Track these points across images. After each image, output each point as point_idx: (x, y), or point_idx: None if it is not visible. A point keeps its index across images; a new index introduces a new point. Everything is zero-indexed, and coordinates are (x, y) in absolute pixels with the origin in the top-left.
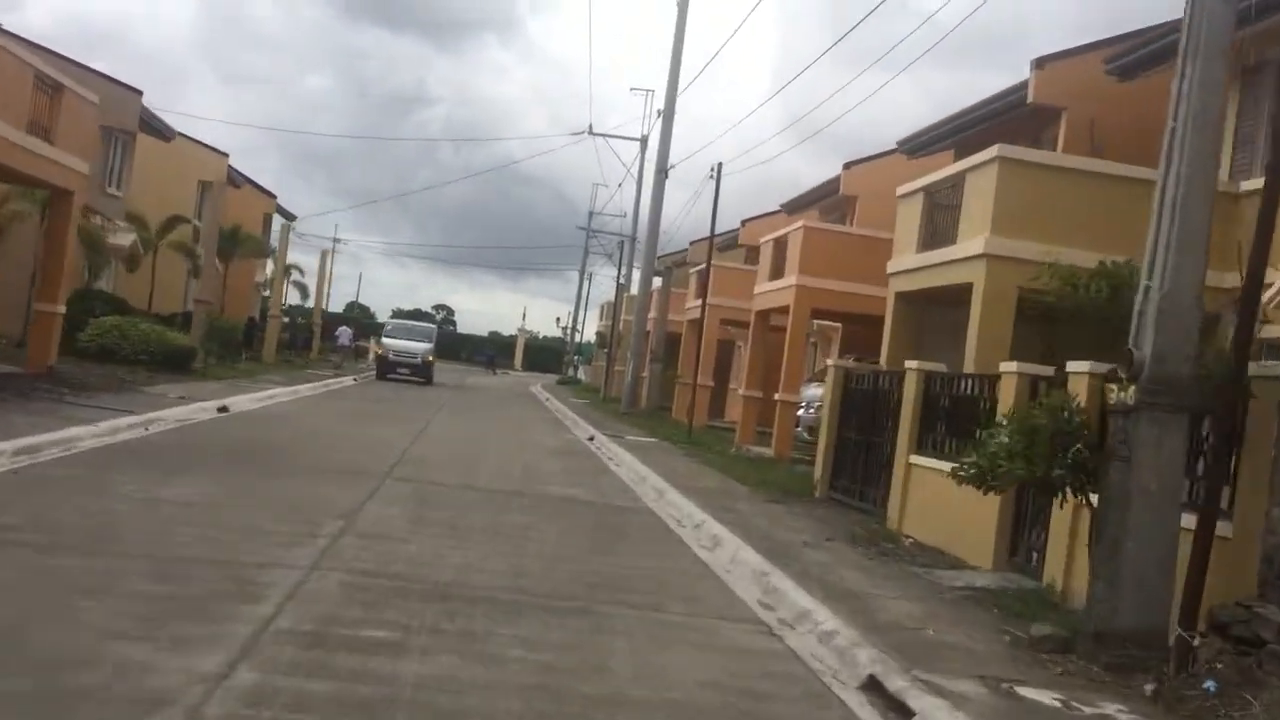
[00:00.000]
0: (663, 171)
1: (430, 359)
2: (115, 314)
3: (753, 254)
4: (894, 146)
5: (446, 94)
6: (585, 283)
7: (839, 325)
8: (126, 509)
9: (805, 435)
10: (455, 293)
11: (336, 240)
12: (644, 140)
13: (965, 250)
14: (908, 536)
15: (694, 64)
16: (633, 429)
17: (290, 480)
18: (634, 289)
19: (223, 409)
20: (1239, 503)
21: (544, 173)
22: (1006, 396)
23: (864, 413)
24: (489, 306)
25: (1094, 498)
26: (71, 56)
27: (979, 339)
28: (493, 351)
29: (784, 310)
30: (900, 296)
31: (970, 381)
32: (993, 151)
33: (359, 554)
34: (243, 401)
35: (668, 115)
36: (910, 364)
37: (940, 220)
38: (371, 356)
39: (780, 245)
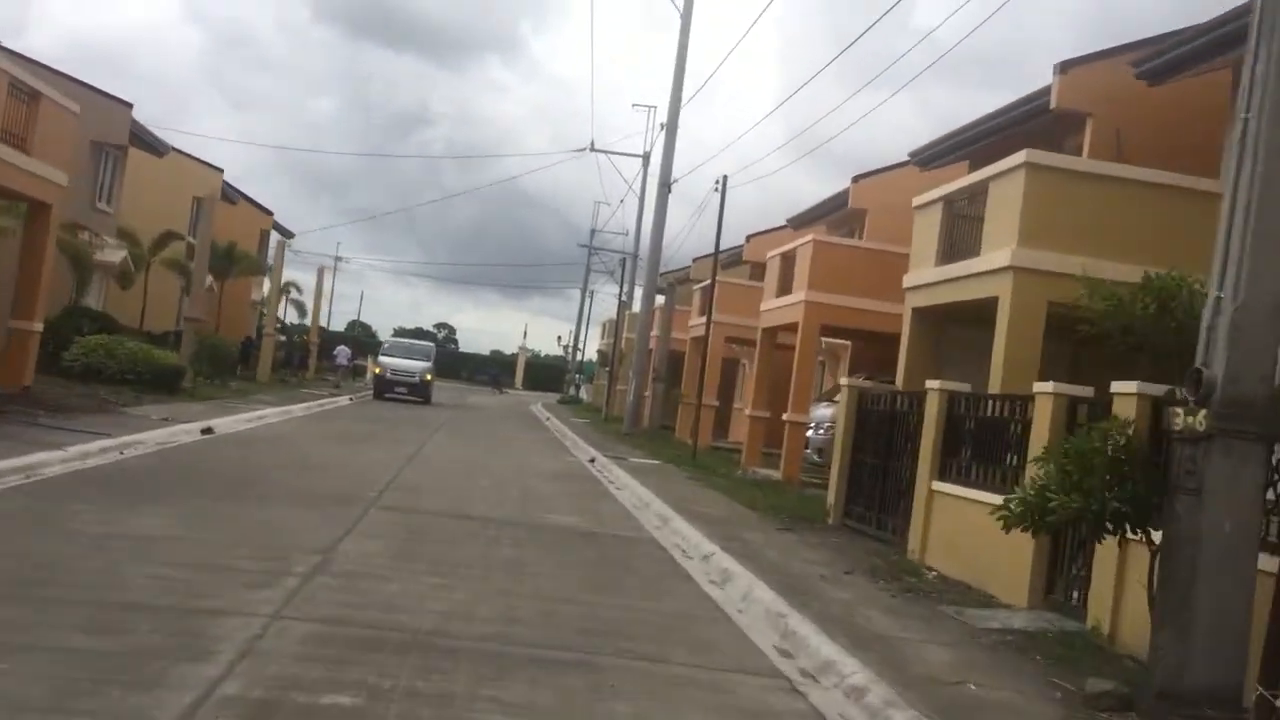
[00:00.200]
0: (665, 186)
1: (429, 378)
2: (103, 332)
3: (758, 270)
4: (905, 159)
5: (449, 114)
6: (587, 301)
7: (848, 343)
8: (77, 545)
9: (815, 457)
10: (458, 311)
11: (338, 259)
12: (646, 156)
13: (990, 263)
14: (931, 569)
15: (695, 80)
16: (635, 450)
17: (268, 509)
18: (636, 307)
19: (207, 431)
20: None
21: (546, 192)
22: (1041, 420)
23: (880, 435)
24: (491, 325)
25: (1155, 535)
26: (60, 69)
27: (1006, 357)
28: (497, 370)
29: (792, 327)
30: (917, 312)
31: (999, 403)
32: (1020, 157)
33: (332, 597)
34: (230, 423)
35: (670, 128)
36: (931, 384)
37: (961, 232)
38: (369, 376)
39: (788, 260)
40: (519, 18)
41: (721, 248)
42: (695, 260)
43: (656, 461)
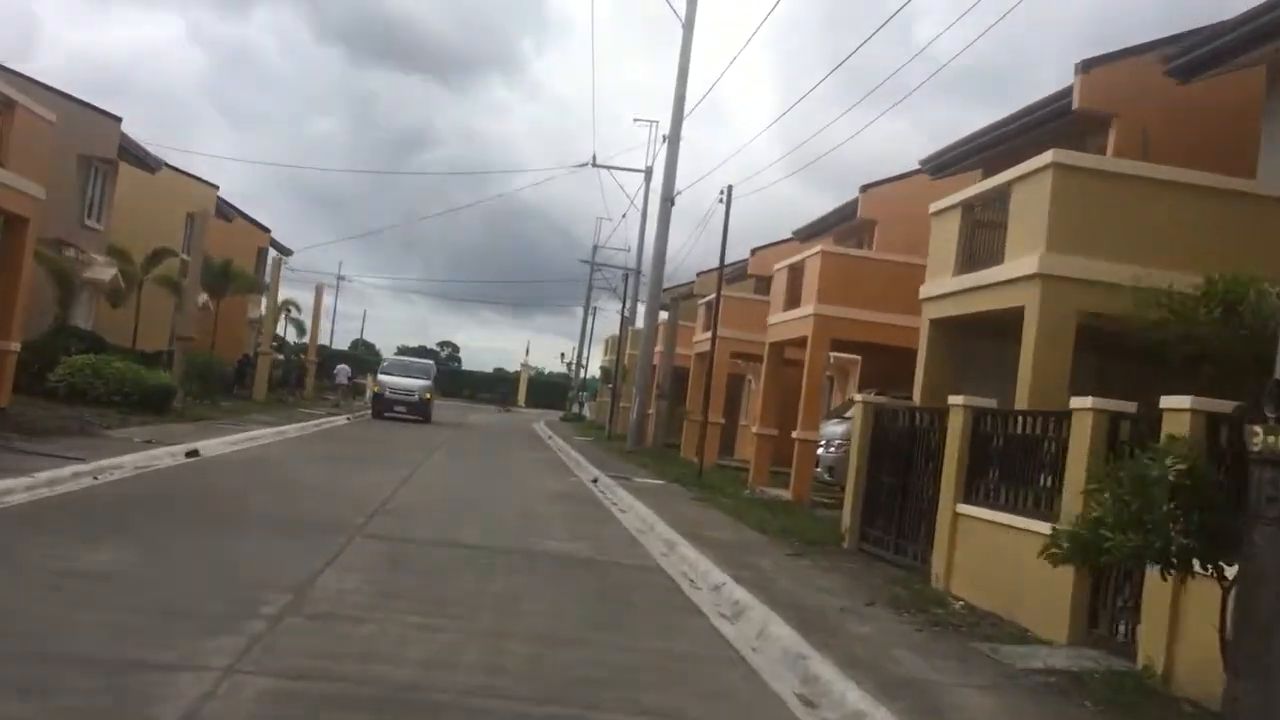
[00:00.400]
0: (668, 199)
1: (428, 396)
2: (91, 352)
3: (762, 284)
4: (916, 167)
5: (451, 133)
6: (590, 317)
7: (857, 358)
8: (26, 585)
9: (825, 476)
10: (462, 330)
11: (340, 278)
12: (648, 171)
13: (1014, 270)
14: (957, 598)
15: (697, 92)
16: (639, 469)
17: (244, 539)
18: (639, 323)
19: (192, 453)
20: None
21: (548, 209)
22: (1080, 439)
23: (898, 454)
24: (495, 343)
25: (1228, 569)
26: (52, 84)
27: (1034, 371)
28: (507, 390)
29: (800, 342)
30: (935, 324)
31: (1031, 420)
32: (1047, 157)
33: (299, 643)
34: (218, 444)
35: (673, 141)
36: (955, 399)
37: (981, 239)
38: (369, 394)
39: (796, 272)
40: (520, 37)
41: (726, 261)
42: (699, 275)
43: (661, 481)
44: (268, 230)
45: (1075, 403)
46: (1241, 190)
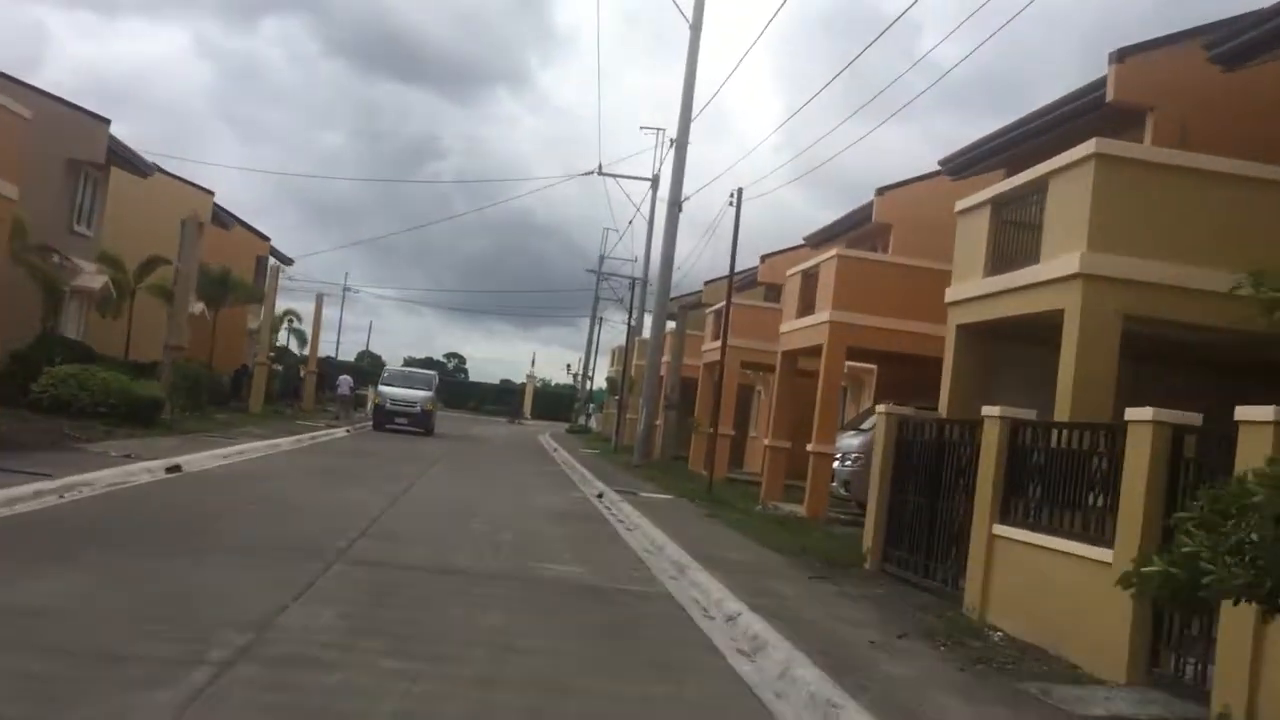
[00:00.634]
0: (676, 204)
1: (430, 407)
2: (78, 362)
3: (773, 292)
4: (934, 169)
5: (457, 146)
6: (596, 327)
7: (873, 367)
8: None
9: (841, 491)
10: (468, 341)
11: (347, 289)
12: (655, 179)
13: (1052, 270)
14: (995, 629)
15: (703, 96)
16: (646, 483)
17: (210, 566)
18: (645, 333)
19: (173, 469)
20: None
21: (554, 221)
22: (1138, 455)
23: (925, 470)
24: (502, 355)
25: None
26: (42, 88)
27: (1075, 379)
28: (515, 401)
29: (815, 350)
30: (963, 330)
31: (1078, 434)
32: (1089, 147)
33: (248, 698)
34: (204, 459)
35: (680, 143)
36: (990, 410)
37: (1012, 238)
38: (370, 406)
39: (810, 278)
40: (526, 50)
41: (735, 269)
42: (706, 283)
43: (669, 496)
44: (267, 239)
45: (1131, 414)
46: None
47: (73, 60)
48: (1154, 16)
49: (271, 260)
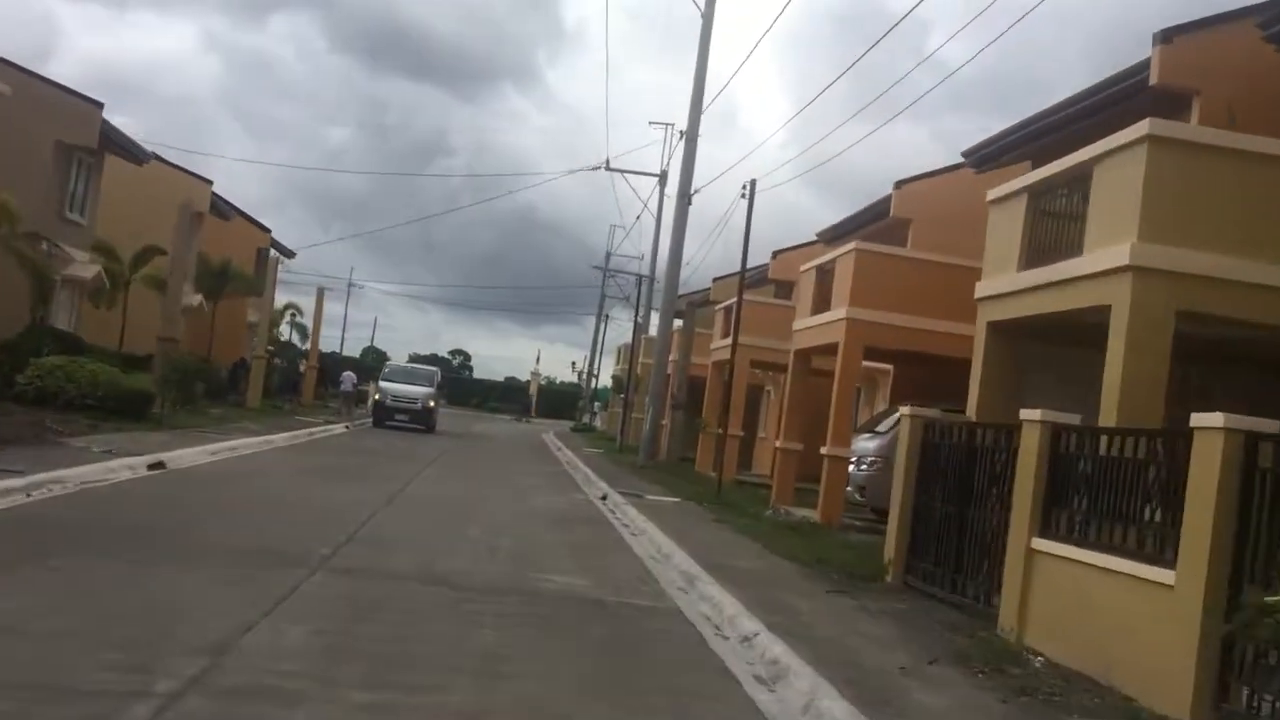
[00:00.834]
0: (685, 197)
1: (432, 404)
2: (67, 353)
3: (783, 290)
4: (957, 161)
5: (465, 142)
6: (602, 324)
7: (889, 367)
8: None
9: (856, 496)
10: (474, 338)
11: (352, 284)
12: (663, 175)
13: (1098, 263)
14: (1035, 653)
15: (711, 94)
16: (652, 485)
17: (175, 575)
18: (652, 331)
19: (156, 465)
20: None
21: (560, 218)
22: (1206, 463)
23: (953, 476)
24: (508, 352)
25: None
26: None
27: (1123, 381)
28: (524, 398)
29: (829, 349)
30: (994, 328)
31: (1133, 440)
32: (1141, 129)
33: None
34: (191, 455)
35: (691, 136)
36: (1030, 413)
37: (1051, 229)
38: (370, 402)
39: (825, 273)
40: (534, 47)
41: (745, 265)
42: (715, 280)
43: (676, 499)
44: (268, 230)
45: (1199, 419)
46: None
47: (81, 53)
48: (1158, 20)
49: (272, 252)
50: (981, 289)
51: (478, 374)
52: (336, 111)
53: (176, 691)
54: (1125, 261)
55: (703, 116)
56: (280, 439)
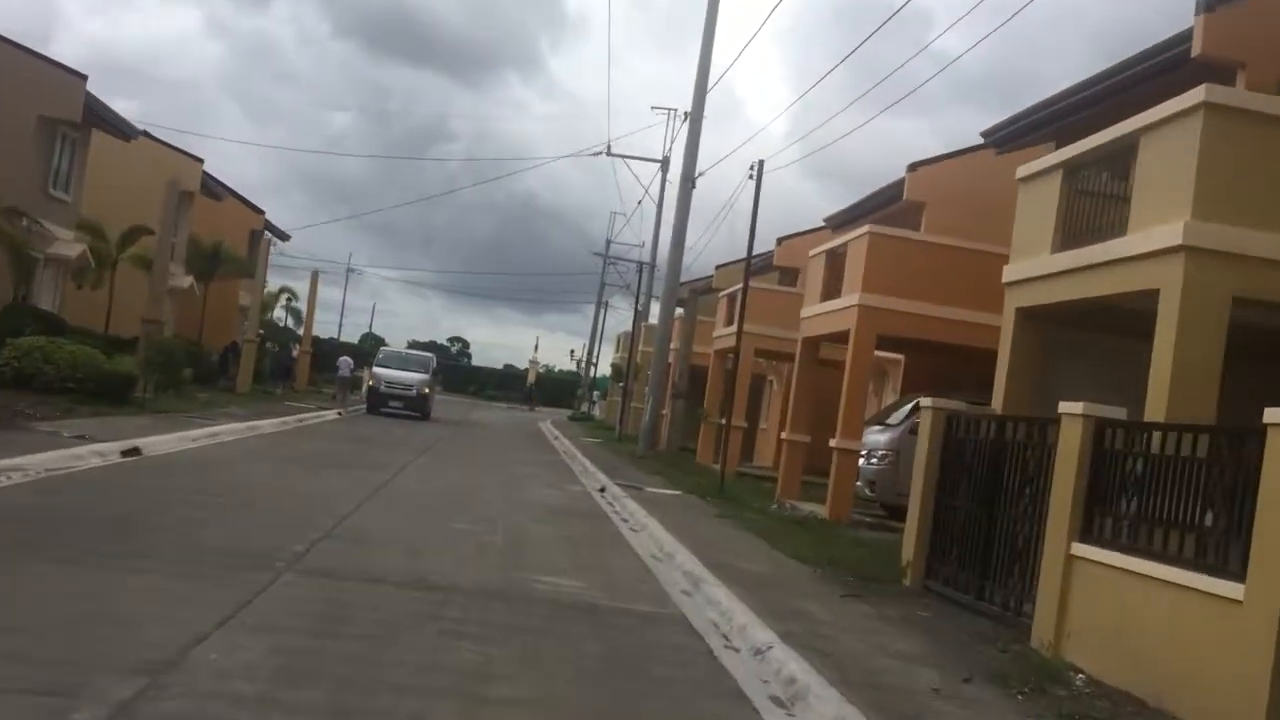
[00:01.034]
0: (689, 181)
1: (427, 391)
2: (46, 333)
3: (788, 277)
4: (977, 142)
5: (467, 129)
6: (601, 312)
7: (900, 357)
8: None
9: (866, 490)
10: (474, 325)
11: (351, 269)
12: (665, 161)
13: (1146, 243)
14: (1076, 670)
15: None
16: (652, 477)
17: (130, 576)
18: (652, 319)
19: (131, 452)
20: None
21: (561, 205)
22: None
23: (979, 474)
24: (507, 340)
25: None
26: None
27: (1174, 372)
28: (529, 387)
29: (839, 337)
30: (1024, 314)
31: (1191, 437)
32: (1196, 95)
33: None
34: (170, 441)
35: (695, 117)
36: (1070, 407)
37: (1089, 208)
38: (365, 388)
39: (836, 258)
40: (537, 33)
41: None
42: (718, 267)
43: (677, 491)
44: (261, 211)
45: (1272, 415)
46: None
47: (83, 35)
48: (1157, 20)
49: (266, 234)
50: (1010, 273)
51: (476, 361)
52: (339, 97)
53: None
54: (1177, 241)
55: (706, 100)
56: (268, 425)
